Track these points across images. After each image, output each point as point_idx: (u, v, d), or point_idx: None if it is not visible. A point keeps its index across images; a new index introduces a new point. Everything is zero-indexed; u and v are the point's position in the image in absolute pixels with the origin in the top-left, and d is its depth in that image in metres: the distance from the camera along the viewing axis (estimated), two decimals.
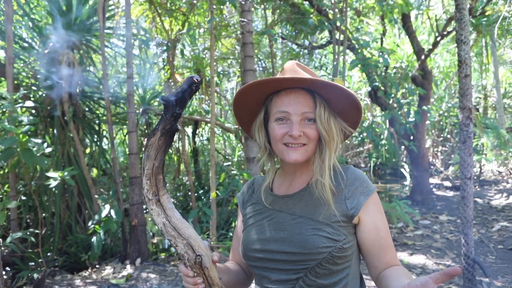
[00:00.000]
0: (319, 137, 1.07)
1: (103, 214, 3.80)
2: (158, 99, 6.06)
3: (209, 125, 5.78)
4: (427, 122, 8.12)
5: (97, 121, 5.12)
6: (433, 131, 10.09)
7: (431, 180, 7.90)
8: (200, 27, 5.83)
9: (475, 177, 8.03)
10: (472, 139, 2.92)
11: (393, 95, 5.22)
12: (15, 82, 4.40)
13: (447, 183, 8.07)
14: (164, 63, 6.31)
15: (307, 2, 5.71)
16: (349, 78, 9.38)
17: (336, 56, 5.41)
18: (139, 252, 3.99)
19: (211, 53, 4.19)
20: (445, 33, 6.34)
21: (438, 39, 6.33)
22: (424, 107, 5.60)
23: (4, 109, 3.64)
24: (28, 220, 4.56)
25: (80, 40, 4.73)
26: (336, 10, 5.43)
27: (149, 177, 0.92)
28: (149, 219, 5.27)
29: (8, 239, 3.25)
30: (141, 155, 4.99)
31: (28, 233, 3.47)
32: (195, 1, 5.15)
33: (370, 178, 9.06)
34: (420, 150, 6.36)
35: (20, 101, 3.70)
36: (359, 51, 5.06)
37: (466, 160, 2.89)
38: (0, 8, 4.67)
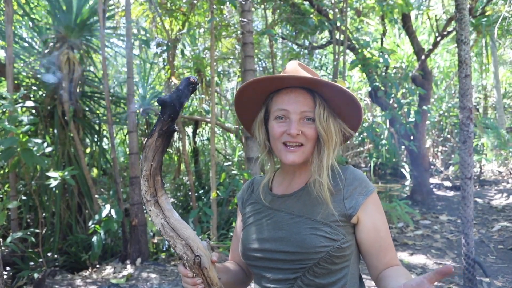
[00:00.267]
0: (317, 138, 1.07)
1: (104, 214, 3.80)
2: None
3: (209, 125, 5.78)
4: (427, 122, 8.12)
5: (97, 121, 5.12)
6: (433, 131, 10.09)
7: (431, 180, 7.90)
8: (200, 27, 5.83)
9: (475, 177, 8.03)
10: (472, 139, 2.92)
11: (393, 95, 5.22)
12: (15, 82, 4.40)
13: (447, 183, 8.07)
14: (164, 63, 6.31)
15: (307, 2, 5.71)
16: (349, 78, 9.38)
17: (336, 56, 5.41)
18: (139, 252, 3.99)
19: (211, 53, 4.19)
20: (445, 33, 6.34)
21: (438, 39, 6.33)
22: (424, 107, 5.60)
23: (4, 109, 3.64)
24: (29, 220, 4.56)
25: (80, 40, 4.73)
26: (336, 10, 5.43)
27: (147, 178, 0.92)
28: (149, 219, 5.27)
29: (9, 239, 3.25)
30: (141, 155, 4.99)
31: (28, 233, 3.47)
32: (195, 1, 5.15)
33: (370, 178, 9.06)
34: (420, 150, 6.36)
35: (20, 101, 3.70)
36: (359, 51, 5.06)
37: (466, 160, 2.89)
38: (0, 7, 4.67)
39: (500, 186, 7.49)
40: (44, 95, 4.68)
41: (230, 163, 7.01)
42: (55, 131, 4.42)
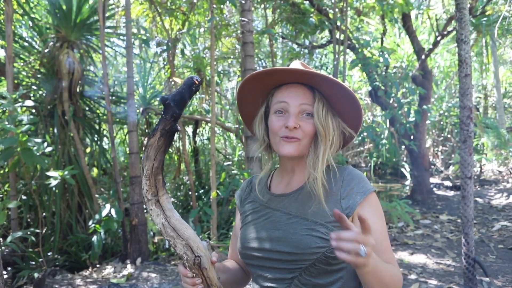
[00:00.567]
0: (314, 134, 1.07)
1: (104, 214, 3.80)
2: (158, 99, 6.06)
3: (209, 124, 5.78)
4: (428, 121, 8.12)
5: (97, 121, 5.12)
6: (433, 131, 10.09)
7: (432, 180, 7.89)
8: (201, 27, 5.83)
9: (475, 177, 8.03)
10: (473, 138, 2.92)
11: (393, 95, 5.22)
12: (15, 81, 4.40)
13: (448, 183, 8.07)
14: (165, 63, 6.31)
15: (307, 2, 5.70)
16: (350, 77, 9.38)
17: (337, 56, 5.41)
18: (139, 252, 3.99)
19: (212, 53, 4.18)
20: (445, 32, 6.34)
21: (438, 38, 6.33)
22: (425, 107, 5.60)
23: (4, 109, 3.63)
24: (29, 220, 4.56)
25: (80, 39, 4.72)
26: (337, 9, 5.42)
27: (148, 177, 0.91)
28: (150, 218, 5.27)
29: (9, 239, 3.24)
30: (141, 155, 4.99)
31: (28, 233, 3.47)
32: (195, 1, 5.15)
33: (371, 178, 9.06)
34: (421, 150, 6.35)
35: (20, 100, 3.70)
36: (360, 50, 5.06)
37: (467, 160, 2.89)
38: (0, 7, 4.66)
39: (500, 186, 7.49)
40: (44, 94, 4.68)
41: (230, 162, 7.01)
42: (55, 130, 4.41)
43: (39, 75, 4.70)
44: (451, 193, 7.19)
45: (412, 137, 6.32)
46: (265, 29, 5.24)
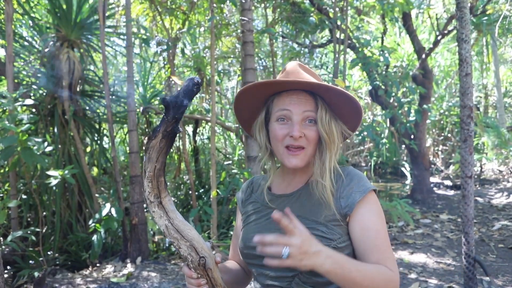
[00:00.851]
0: (318, 140, 1.07)
1: (104, 213, 3.80)
2: (158, 98, 6.06)
3: (209, 124, 5.77)
4: (428, 121, 8.11)
5: (97, 120, 5.12)
6: (433, 130, 10.08)
7: (432, 179, 7.89)
8: (201, 26, 5.82)
9: (475, 176, 8.03)
10: (473, 138, 2.92)
11: (393, 94, 5.21)
12: (15, 80, 4.39)
13: (448, 182, 8.07)
14: (165, 62, 6.31)
15: (307, 1, 5.70)
16: (350, 77, 9.38)
17: (337, 55, 5.40)
18: (139, 251, 3.99)
19: (212, 52, 4.18)
20: (445, 32, 6.33)
21: (439, 38, 6.32)
22: (425, 106, 5.59)
23: (4, 108, 3.63)
24: (29, 219, 4.56)
25: (80, 39, 4.72)
26: (337, 9, 5.42)
27: (150, 179, 0.91)
28: (150, 218, 5.27)
29: (9, 238, 3.25)
30: (141, 154, 4.99)
31: (28, 232, 3.47)
32: (195, 0, 5.15)
33: (371, 177, 9.06)
34: (421, 149, 6.35)
35: (20, 99, 3.70)
36: (360, 50, 5.05)
37: (467, 159, 2.89)
38: (0, 6, 4.66)
39: (501, 185, 7.48)
40: (44, 94, 4.68)
41: (230, 162, 7.01)
42: (55, 130, 4.41)
43: (39, 75, 4.70)
44: (451, 192, 7.18)
45: (412, 136, 6.31)
46: (265, 28, 5.24)
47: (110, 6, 5.33)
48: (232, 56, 6.55)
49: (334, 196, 1.05)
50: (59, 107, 4.38)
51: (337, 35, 5.57)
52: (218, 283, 0.99)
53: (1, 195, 4.48)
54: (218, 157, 7.29)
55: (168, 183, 6.72)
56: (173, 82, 5.34)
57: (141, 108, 5.52)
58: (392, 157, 9.61)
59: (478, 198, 6.35)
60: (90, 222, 4.03)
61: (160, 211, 0.93)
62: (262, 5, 5.75)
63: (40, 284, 3.12)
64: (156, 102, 5.97)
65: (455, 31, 6.09)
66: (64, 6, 4.48)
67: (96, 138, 5.06)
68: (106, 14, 4.72)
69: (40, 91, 4.78)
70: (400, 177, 9.53)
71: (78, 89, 4.62)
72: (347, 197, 1.04)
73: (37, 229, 3.72)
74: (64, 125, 4.46)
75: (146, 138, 5.70)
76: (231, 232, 4.67)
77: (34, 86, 4.72)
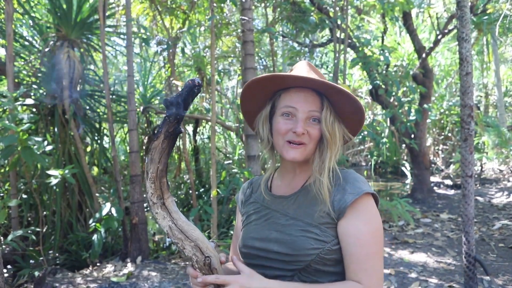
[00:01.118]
0: (320, 138, 1.08)
1: (104, 212, 3.80)
2: (159, 98, 6.06)
3: (209, 123, 5.77)
4: (428, 120, 8.10)
5: (97, 119, 5.12)
6: (434, 130, 10.07)
7: (432, 179, 7.89)
8: (201, 25, 5.82)
9: (476, 176, 8.02)
10: (473, 137, 2.91)
11: (394, 94, 5.21)
12: (16, 80, 4.39)
13: (448, 182, 8.06)
14: (165, 62, 6.31)
15: (307, 0, 5.69)
16: (350, 76, 9.37)
17: (337, 55, 5.40)
18: (140, 250, 3.99)
19: (212, 51, 4.18)
20: (446, 31, 6.32)
21: (439, 37, 6.31)
22: (425, 106, 5.59)
23: (5, 107, 3.63)
24: (29, 218, 4.57)
25: (80, 38, 4.72)
26: (337, 8, 5.41)
27: (153, 180, 0.91)
28: (150, 217, 5.28)
29: (9, 237, 3.25)
30: (141, 154, 4.99)
31: (29, 231, 3.47)
32: None
33: (371, 177, 9.06)
34: (421, 149, 6.35)
35: (20, 99, 3.70)
36: (360, 49, 5.05)
37: (467, 158, 2.88)
38: (1, 6, 4.66)
39: (501, 185, 7.48)
40: (44, 93, 4.68)
41: (230, 161, 7.01)
42: (56, 129, 4.42)
43: (39, 74, 4.70)
44: (451, 191, 7.18)
45: (412, 135, 6.31)
46: (265, 28, 5.23)
47: (110, 6, 5.32)
48: (232, 55, 6.55)
49: (330, 196, 1.05)
50: (59, 106, 4.38)
51: (338, 35, 5.57)
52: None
53: (2, 194, 4.48)
54: (219, 157, 7.29)
55: (169, 183, 6.72)
56: (173, 81, 5.34)
57: (141, 108, 5.52)
58: (392, 157, 9.62)
59: (479, 198, 6.35)
60: (91, 221, 4.03)
61: (163, 212, 0.93)
62: (262, 4, 5.74)
63: (40, 284, 3.12)
64: (156, 102, 5.97)
65: (455, 30, 6.09)
66: (64, 6, 4.48)
67: (96, 138, 5.06)
68: (106, 14, 4.73)
69: (41, 91, 4.78)
70: (400, 176, 9.53)
71: (78, 89, 4.61)
72: (339, 200, 1.03)
73: (38, 229, 3.73)
74: (64, 125, 4.46)
75: (147, 138, 5.71)
76: (231, 232, 4.67)
77: (34, 86, 4.72)
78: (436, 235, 4.61)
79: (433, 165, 9.29)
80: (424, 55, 6.28)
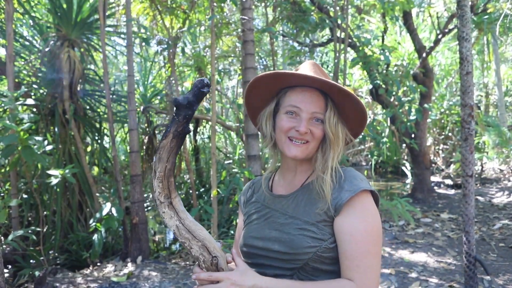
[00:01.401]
0: (323, 138, 1.09)
1: (104, 212, 3.80)
2: (159, 98, 6.06)
3: (210, 123, 5.77)
4: (428, 120, 8.10)
5: (98, 119, 5.12)
6: (434, 129, 10.07)
7: (432, 178, 7.88)
8: (201, 25, 5.82)
9: (476, 175, 8.02)
10: (474, 137, 2.91)
11: (394, 93, 5.21)
12: (16, 80, 4.40)
13: (448, 181, 8.06)
14: (165, 61, 6.30)
15: (308, 0, 5.69)
16: (350, 76, 9.37)
17: (337, 54, 5.39)
18: (140, 250, 3.99)
19: (212, 51, 4.18)
20: (446, 30, 6.31)
21: (440, 36, 6.30)
22: (425, 105, 5.58)
23: (5, 107, 3.63)
24: (30, 218, 4.57)
25: (80, 38, 4.72)
26: (337, 7, 5.41)
27: (161, 179, 0.91)
28: (150, 217, 5.28)
29: (10, 237, 3.25)
30: (142, 153, 4.99)
31: (29, 231, 3.47)
32: None
33: (371, 176, 9.06)
34: (421, 148, 6.34)
35: (21, 99, 3.70)
36: (360, 48, 5.05)
37: (468, 158, 2.88)
38: (1, 6, 4.66)
39: (501, 184, 7.47)
40: (44, 93, 4.68)
41: (230, 161, 7.01)
42: (56, 129, 4.42)
43: (39, 74, 4.70)
44: (452, 191, 7.17)
45: (413, 135, 6.31)
46: (265, 28, 5.23)
47: (110, 6, 5.32)
48: (232, 55, 6.55)
49: (331, 193, 1.05)
50: (59, 106, 4.38)
51: (338, 34, 5.56)
52: None
53: (2, 194, 4.48)
54: (219, 156, 7.29)
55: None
56: (173, 81, 5.33)
57: (142, 107, 5.52)
58: (392, 156, 9.61)
59: (479, 197, 6.34)
60: (91, 221, 4.03)
61: (170, 211, 0.93)
62: (263, 4, 5.74)
63: (41, 283, 3.12)
64: (157, 102, 5.97)
65: (455, 30, 6.08)
66: (65, 6, 4.48)
67: (96, 138, 5.06)
68: (107, 14, 4.73)
69: (41, 91, 4.78)
70: (400, 176, 9.53)
71: (78, 88, 4.62)
72: (336, 197, 1.03)
73: (38, 229, 3.73)
74: (64, 125, 4.47)
75: (147, 137, 5.71)
76: (232, 232, 4.67)
77: (34, 86, 4.72)
78: (437, 235, 4.60)
79: (433, 165, 9.29)
80: (424, 54, 6.27)
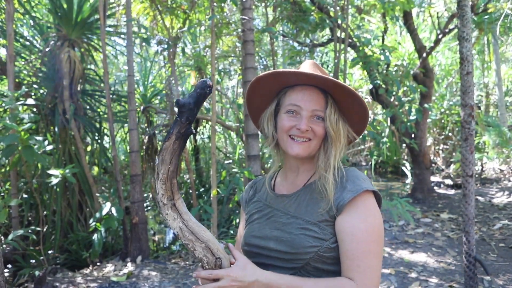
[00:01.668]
0: (324, 136, 1.09)
1: (104, 212, 3.80)
2: (159, 98, 6.06)
3: (210, 123, 5.77)
4: (429, 120, 8.10)
5: (98, 119, 5.12)
6: (434, 129, 10.06)
7: (433, 178, 7.88)
8: (201, 25, 5.82)
9: (476, 175, 8.01)
10: (474, 137, 2.91)
11: (394, 93, 5.20)
12: (16, 80, 4.40)
13: (449, 181, 8.05)
14: (165, 61, 6.30)
15: (308, 0, 5.69)
16: (350, 76, 9.37)
17: (337, 54, 5.39)
18: (140, 250, 4.00)
19: (212, 51, 4.18)
20: (446, 30, 6.31)
21: (440, 36, 6.30)
22: (426, 105, 5.58)
23: (6, 107, 3.64)
24: (30, 218, 4.58)
25: (81, 38, 4.72)
26: (337, 7, 5.41)
27: (164, 181, 0.91)
28: (150, 217, 5.28)
29: (10, 237, 3.25)
30: (142, 153, 4.99)
31: (29, 231, 3.48)
32: None
33: (371, 176, 9.06)
34: (421, 148, 6.34)
35: (21, 99, 3.71)
36: (360, 48, 5.04)
37: (468, 158, 2.88)
38: (1, 6, 4.66)
39: (502, 184, 7.47)
40: (45, 93, 4.69)
41: (230, 161, 7.01)
42: (56, 129, 4.42)
43: (40, 74, 4.70)
44: (452, 191, 7.17)
45: (413, 135, 6.30)
46: (265, 28, 5.23)
47: (110, 6, 5.33)
48: (232, 55, 6.55)
49: (334, 193, 1.05)
50: (59, 106, 4.38)
51: (338, 34, 5.56)
52: None
53: (2, 194, 4.49)
54: (219, 156, 7.29)
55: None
56: (173, 81, 5.33)
57: (142, 107, 5.52)
58: (392, 156, 9.61)
59: (479, 197, 6.34)
60: (91, 221, 4.04)
61: (173, 213, 0.93)
62: (263, 4, 5.74)
63: (40, 283, 3.12)
64: (157, 101, 5.97)
65: (456, 30, 6.08)
66: (65, 6, 4.48)
67: (96, 137, 5.06)
68: (107, 14, 4.73)
69: (41, 91, 4.78)
70: (400, 176, 9.52)
71: (78, 88, 4.62)
72: (338, 197, 1.03)
73: (38, 228, 3.73)
74: (65, 125, 4.47)
75: (147, 137, 5.71)
76: (232, 231, 4.67)
77: (35, 86, 4.73)
78: (437, 235, 4.60)
79: (433, 165, 9.28)
80: (424, 54, 6.27)
